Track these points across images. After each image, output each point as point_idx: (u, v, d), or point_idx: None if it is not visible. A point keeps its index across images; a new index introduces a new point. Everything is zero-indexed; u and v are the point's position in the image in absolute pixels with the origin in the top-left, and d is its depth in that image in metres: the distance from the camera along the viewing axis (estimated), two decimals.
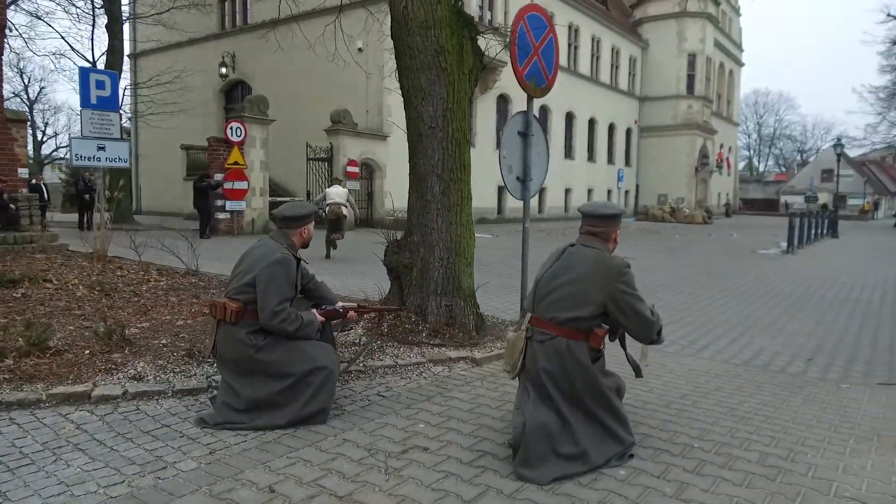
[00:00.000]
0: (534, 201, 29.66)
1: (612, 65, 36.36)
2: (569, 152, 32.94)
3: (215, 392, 3.86)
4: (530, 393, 2.96)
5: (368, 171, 21.64)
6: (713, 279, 10.91)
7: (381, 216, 21.82)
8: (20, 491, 2.68)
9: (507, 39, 5.67)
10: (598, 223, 3.09)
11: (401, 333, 5.12)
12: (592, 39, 34.14)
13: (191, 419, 3.53)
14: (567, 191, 32.78)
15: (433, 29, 4.95)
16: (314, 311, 3.62)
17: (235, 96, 26.65)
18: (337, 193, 12.29)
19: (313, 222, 3.75)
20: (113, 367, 4.30)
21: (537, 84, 5.94)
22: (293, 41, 22.93)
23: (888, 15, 30.60)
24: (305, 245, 3.69)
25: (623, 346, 3.17)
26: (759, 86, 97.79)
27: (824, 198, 52.90)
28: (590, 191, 34.61)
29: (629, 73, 38.23)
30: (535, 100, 5.99)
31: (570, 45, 32.07)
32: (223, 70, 25.10)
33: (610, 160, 36.75)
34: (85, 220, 17.12)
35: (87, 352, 4.62)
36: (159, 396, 3.87)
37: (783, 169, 76.66)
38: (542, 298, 3.00)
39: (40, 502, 2.59)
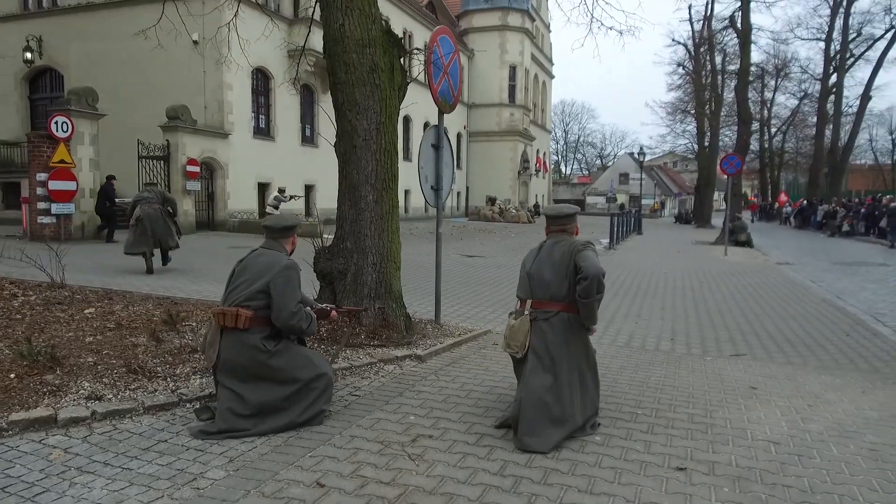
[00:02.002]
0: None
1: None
2: (407, 154, 33.86)
3: (199, 404, 3.87)
4: (529, 366, 3.50)
5: (209, 170, 20.61)
6: None
7: (223, 218, 20.92)
8: None
9: (423, 59, 6.10)
10: (564, 221, 3.76)
11: (341, 337, 5.35)
12: (425, 46, 35.37)
13: (182, 433, 3.54)
14: (406, 192, 33.69)
15: (368, 47, 5.25)
16: (308, 308, 3.81)
17: (43, 85, 23.78)
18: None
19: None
20: (54, 388, 4.05)
21: (446, 101, 6.46)
22: (115, 28, 21.10)
23: (673, 40, 35.66)
24: (292, 252, 3.87)
25: None
26: (565, 97, 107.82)
27: (622, 198, 59.90)
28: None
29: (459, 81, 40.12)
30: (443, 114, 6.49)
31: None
32: (27, 55, 22.27)
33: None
34: None
35: (12, 375, 4.27)
36: (131, 414, 3.78)
37: (586, 172, 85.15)
38: (538, 285, 3.58)
39: None
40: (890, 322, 7.98)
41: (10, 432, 3.45)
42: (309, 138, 25.78)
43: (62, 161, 15.26)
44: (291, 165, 24.18)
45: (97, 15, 22.29)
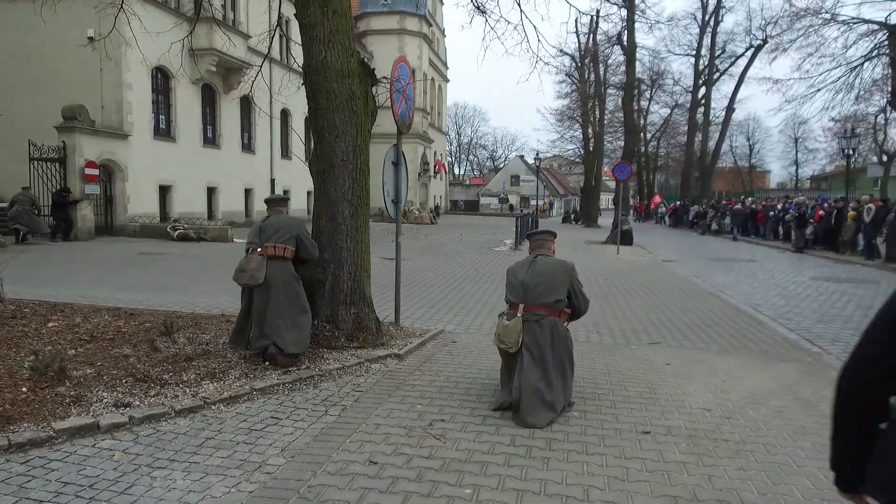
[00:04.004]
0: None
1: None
2: (309, 156, 33.72)
3: (223, 405, 4.30)
4: (525, 360, 4.24)
5: (107, 173, 19.73)
6: (486, 274, 13.15)
7: (123, 222, 20.12)
8: (164, 503, 3.04)
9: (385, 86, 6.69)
10: (543, 239, 4.61)
11: (323, 340, 5.84)
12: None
13: (225, 430, 3.96)
14: (309, 193, 33.55)
15: (347, 77, 5.78)
16: None
17: None
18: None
19: None
20: (74, 399, 4.30)
21: (404, 121, 7.09)
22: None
23: (560, 51, 37.88)
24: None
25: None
26: (457, 99, 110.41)
27: (513, 199, 62.58)
28: None
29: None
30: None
31: None
32: None
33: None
34: None
35: (24, 389, 4.44)
36: (165, 418, 4.13)
37: (478, 174, 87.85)
38: (530, 292, 4.34)
39: None
40: (767, 312, 9.51)
41: (60, 439, 3.72)
42: (211, 139, 25.19)
43: None
44: (193, 167, 23.57)
45: None
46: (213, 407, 4.35)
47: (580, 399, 4.72)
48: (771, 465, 3.64)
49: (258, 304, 5.21)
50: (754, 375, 5.69)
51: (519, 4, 8.80)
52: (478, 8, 9.14)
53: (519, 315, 4.36)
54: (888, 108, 25.63)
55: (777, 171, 75.79)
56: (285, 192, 30.81)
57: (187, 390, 4.57)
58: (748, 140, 68.37)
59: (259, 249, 5.26)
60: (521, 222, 22.93)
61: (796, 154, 66.31)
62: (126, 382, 4.68)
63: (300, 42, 5.88)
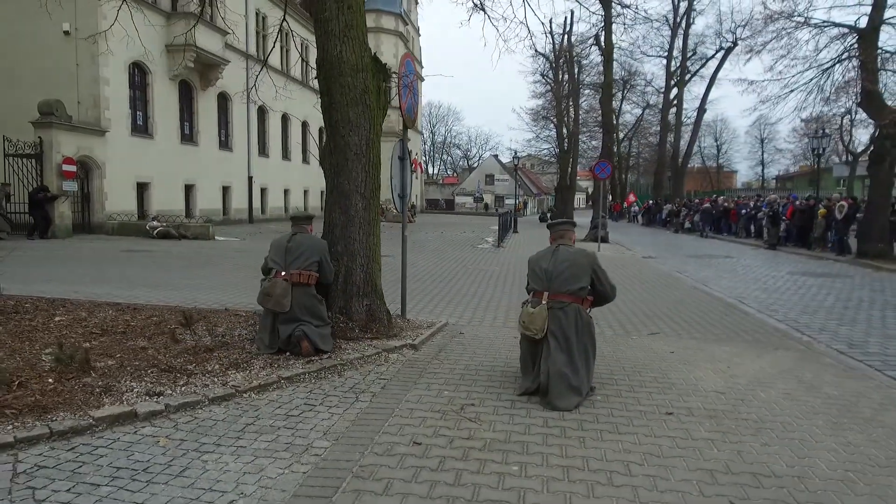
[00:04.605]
0: (257, 202, 29.62)
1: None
2: (286, 154, 33.50)
3: (253, 393, 4.36)
4: (551, 346, 4.38)
5: (85, 170, 19.35)
6: (475, 271, 13.30)
7: (101, 220, 19.76)
8: (222, 484, 3.10)
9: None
10: (568, 227, 4.78)
11: (339, 332, 5.90)
12: (302, 45, 35.14)
13: (263, 416, 4.01)
14: (286, 191, 33.33)
15: (361, 72, 5.86)
16: None
17: None
18: None
19: None
20: (103, 389, 4.31)
21: (410, 116, 7.18)
22: None
23: (535, 51, 38.26)
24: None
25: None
26: (432, 99, 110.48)
27: (488, 198, 62.90)
28: (305, 191, 35.66)
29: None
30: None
31: (282, 49, 32.58)
32: None
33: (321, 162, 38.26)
34: None
35: (49, 380, 4.43)
36: (199, 406, 4.17)
37: (451, 173, 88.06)
38: (554, 280, 4.49)
39: (253, 486, 3.08)
40: (752, 304, 9.83)
41: (100, 427, 3.74)
42: (188, 136, 24.85)
43: None
44: (171, 165, 23.24)
45: None
46: (244, 395, 4.40)
47: (599, 384, 4.87)
48: (791, 441, 3.84)
49: (282, 319, 5.38)
50: (754, 362, 5.93)
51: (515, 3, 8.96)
52: (476, 5, 9.26)
53: (544, 302, 4.49)
54: (854, 110, 26.53)
55: (744, 171, 77.66)
56: (262, 189, 30.55)
57: (215, 379, 4.60)
58: (716, 140, 69.98)
59: (283, 274, 5.36)
60: (503, 221, 23.17)
61: (762, 154, 68.13)
62: (151, 373, 4.70)
63: (313, 38, 5.94)
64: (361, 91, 5.88)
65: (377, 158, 6.20)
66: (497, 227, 21.16)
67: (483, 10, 9.49)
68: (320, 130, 38.30)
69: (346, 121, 5.90)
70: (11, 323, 6.14)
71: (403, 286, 7.32)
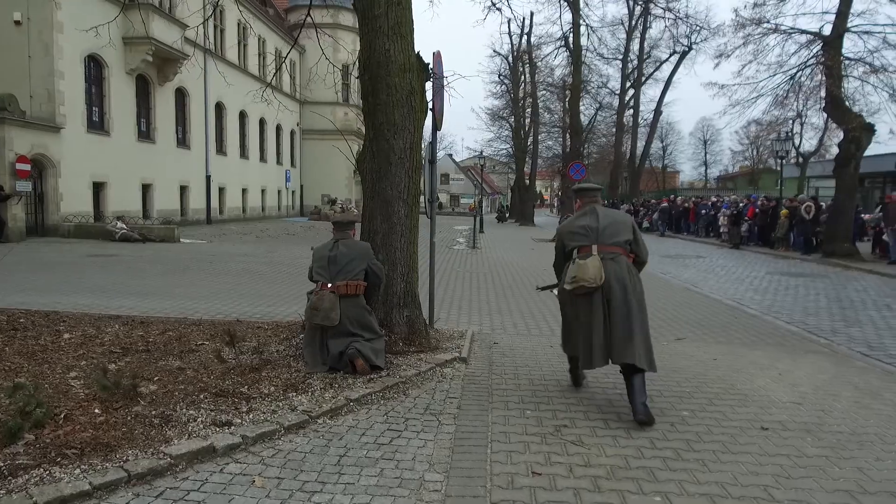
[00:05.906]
0: (215, 201, 28.57)
1: (276, 66, 36.82)
2: (244, 152, 32.46)
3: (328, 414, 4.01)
4: (615, 295, 4.29)
5: (39, 169, 18.16)
6: (463, 272, 13.08)
7: (55, 222, 18.60)
8: None
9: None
10: (595, 193, 4.81)
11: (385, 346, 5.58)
12: (259, 39, 34.14)
13: (353, 447, 3.69)
14: (244, 190, 32.29)
15: (409, 72, 5.55)
16: None
17: None
18: None
19: None
20: (164, 420, 3.89)
21: (441, 116, 6.90)
22: None
23: (494, 51, 38.42)
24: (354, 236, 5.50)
25: None
26: None
27: (443, 197, 62.82)
28: (263, 190, 34.67)
29: (290, 76, 39.23)
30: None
31: (240, 44, 31.54)
32: None
33: (279, 161, 37.33)
34: None
35: (95, 410, 3.98)
36: (277, 436, 3.81)
37: None
38: (602, 233, 4.45)
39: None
40: (753, 306, 9.96)
41: (179, 466, 3.35)
42: (145, 133, 23.71)
43: None
44: (128, 163, 22.12)
45: None
46: (317, 421, 4.05)
47: (677, 398, 4.74)
48: None
49: (332, 334, 5.10)
50: (800, 368, 5.93)
51: None
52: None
53: (594, 253, 4.40)
54: (805, 114, 27.62)
55: (687, 171, 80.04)
56: (221, 188, 29.48)
57: (280, 404, 4.24)
58: (662, 142, 71.87)
59: (329, 286, 5.09)
60: (477, 222, 23.09)
61: (705, 155, 70.40)
62: (205, 398, 4.29)
63: (271, 34, 5.58)
64: (408, 92, 5.57)
65: (419, 163, 5.91)
66: (463, 228, 20.98)
67: None
68: (277, 129, 37.34)
69: (391, 123, 5.58)
70: (16, 342, 5.57)
71: (431, 294, 7.04)
